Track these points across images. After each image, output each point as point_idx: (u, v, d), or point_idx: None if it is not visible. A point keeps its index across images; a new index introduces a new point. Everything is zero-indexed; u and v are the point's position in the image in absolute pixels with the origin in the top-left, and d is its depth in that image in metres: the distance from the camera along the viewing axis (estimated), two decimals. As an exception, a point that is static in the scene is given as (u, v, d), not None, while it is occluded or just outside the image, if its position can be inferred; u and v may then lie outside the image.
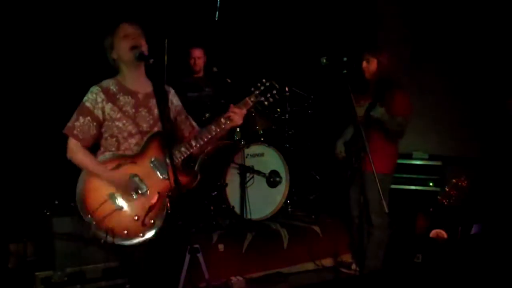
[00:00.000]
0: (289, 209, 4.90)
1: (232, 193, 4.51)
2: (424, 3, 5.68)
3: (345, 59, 3.36)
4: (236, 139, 4.83)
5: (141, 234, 2.45)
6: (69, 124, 2.52)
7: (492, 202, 4.52)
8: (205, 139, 2.60)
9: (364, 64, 3.84)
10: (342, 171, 3.98)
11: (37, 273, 3.51)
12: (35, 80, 4.39)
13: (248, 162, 4.57)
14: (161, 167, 2.52)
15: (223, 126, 2.61)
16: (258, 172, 4.62)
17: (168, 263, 2.70)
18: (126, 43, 2.51)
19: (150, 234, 2.47)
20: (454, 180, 4.78)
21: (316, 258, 4.35)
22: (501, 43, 5.15)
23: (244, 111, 2.64)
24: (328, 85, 4.92)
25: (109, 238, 2.41)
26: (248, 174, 4.54)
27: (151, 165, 2.52)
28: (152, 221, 2.47)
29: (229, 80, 4.93)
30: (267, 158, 4.74)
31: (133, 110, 2.56)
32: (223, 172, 4.46)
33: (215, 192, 4.48)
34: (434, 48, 5.61)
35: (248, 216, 4.47)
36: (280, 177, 4.77)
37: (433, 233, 4.42)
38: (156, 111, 2.60)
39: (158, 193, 2.51)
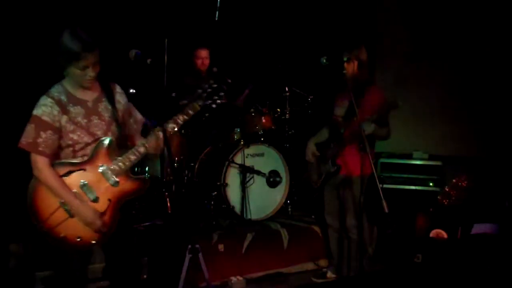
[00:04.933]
0: (289, 209, 4.90)
1: (232, 193, 4.52)
2: (425, 2, 5.68)
3: (345, 59, 3.36)
4: (236, 139, 4.83)
5: (94, 241, 2.50)
6: (29, 140, 2.43)
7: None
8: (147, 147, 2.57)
9: (345, 64, 3.58)
10: (312, 174, 3.87)
11: (37, 273, 3.51)
12: (32, 82, 4.37)
13: (248, 162, 4.57)
14: (110, 174, 2.52)
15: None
16: (258, 172, 4.62)
17: (163, 263, 2.69)
18: (82, 72, 2.42)
19: (102, 240, 2.52)
20: (454, 180, 4.78)
21: (316, 258, 4.35)
22: (502, 42, 5.15)
23: (161, 136, 2.58)
24: (328, 85, 4.92)
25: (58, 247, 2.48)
26: (248, 174, 4.55)
27: (100, 172, 2.51)
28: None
29: (229, 80, 4.93)
30: (267, 158, 4.74)
31: (85, 120, 2.52)
32: (223, 172, 4.46)
33: (215, 192, 4.48)
34: (434, 48, 5.60)
35: (248, 216, 4.48)
36: (280, 177, 4.76)
37: (433, 233, 4.42)
38: (106, 115, 2.58)
39: (109, 200, 2.52)
